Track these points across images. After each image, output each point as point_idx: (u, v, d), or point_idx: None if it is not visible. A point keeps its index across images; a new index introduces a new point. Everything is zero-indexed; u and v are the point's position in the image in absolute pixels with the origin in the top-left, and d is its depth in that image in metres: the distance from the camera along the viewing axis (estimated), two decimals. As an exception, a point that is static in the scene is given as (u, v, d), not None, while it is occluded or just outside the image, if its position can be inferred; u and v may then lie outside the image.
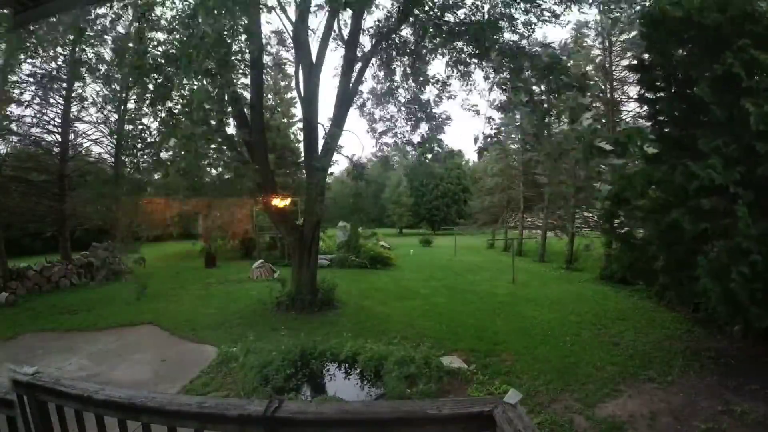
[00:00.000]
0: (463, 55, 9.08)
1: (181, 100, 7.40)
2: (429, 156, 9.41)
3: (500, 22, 8.19)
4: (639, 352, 6.34)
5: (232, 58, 7.48)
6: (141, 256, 16.30)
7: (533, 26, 8.72)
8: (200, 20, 5.81)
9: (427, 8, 8.52)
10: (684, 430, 4.21)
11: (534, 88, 7.10)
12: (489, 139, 8.43)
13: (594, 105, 16.30)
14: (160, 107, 7.54)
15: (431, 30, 8.38)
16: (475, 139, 8.71)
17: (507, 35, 8.80)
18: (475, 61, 8.91)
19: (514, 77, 7.68)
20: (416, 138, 10.16)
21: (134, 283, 10.23)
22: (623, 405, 4.72)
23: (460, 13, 8.72)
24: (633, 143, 5.62)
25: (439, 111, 10.19)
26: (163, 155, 8.62)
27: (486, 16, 8.78)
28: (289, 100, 22.83)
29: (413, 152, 9.89)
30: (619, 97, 15.21)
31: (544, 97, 6.82)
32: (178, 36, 6.74)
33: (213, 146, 8.06)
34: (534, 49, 7.93)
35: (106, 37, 11.82)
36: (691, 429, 4.20)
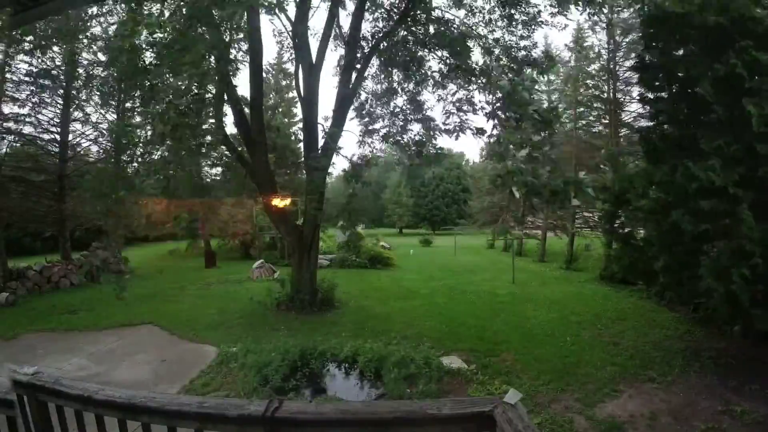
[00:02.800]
0: (441, 68, 9.21)
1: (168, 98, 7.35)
2: (424, 159, 9.44)
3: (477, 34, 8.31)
4: (639, 352, 6.33)
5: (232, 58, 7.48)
6: (124, 256, 16.27)
7: (532, 28, 8.76)
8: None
9: (423, 11, 8.55)
10: (684, 430, 4.21)
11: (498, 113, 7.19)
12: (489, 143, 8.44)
13: (596, 105, 16.28)
14: (151, 107, 7.51)
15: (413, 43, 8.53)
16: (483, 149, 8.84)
17: (506, 36, 8.86)
18: (450, 75, 9.02)
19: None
20: (408, 138, 10.15)
21: (115, 282, 9.84)
22: (623, 405, 4.72)
23: (461, 14, 8.77)
24: (565, 194, 5.79)
25: (435, 115, 10.25)
26: (159, 155, 8.60)
27: (485, 18, 8.82)
28: (290, 100, 22.85)
29: (409, 153, 9.87)
30: (623, 98, 15.22)
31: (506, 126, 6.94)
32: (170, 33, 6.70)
33: (207, 141, 8.02)
34: (504, 72, 8.04)
35: (99, 37, 11.84)
36: (691, 429, 4.20)
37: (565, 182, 5.44)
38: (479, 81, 7.84)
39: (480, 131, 8.39)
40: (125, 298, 8.74)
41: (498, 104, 6.84)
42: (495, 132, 7.11)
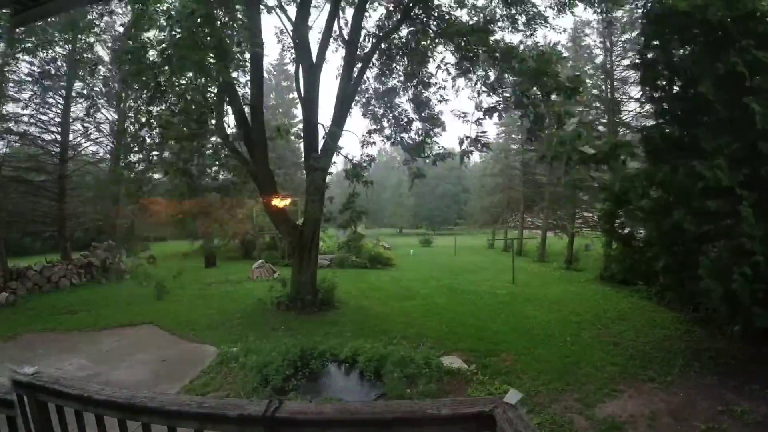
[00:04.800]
0: (454, 56, 9.10)
1: (176, 99, 7.38)
2: (426, 156, 9.43)
3: (493, 24, 8.23)
4: (639, 352, 6.33)
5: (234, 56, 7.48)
6: (151, 255, 16.42)
7: (534, 26, 8.77)
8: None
9: (424, 11, 8.55)
10: (684, 430, 4.21)
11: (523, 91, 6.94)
12: (476, 144, 8.13)
13: (588, 106, 16.28)
14: (157, 108, 7.56)
15: (420, 34, 8.45)
16: (460, 142, 8.35)
17: (502, 35, 8.86)
18: (466, 64, 8.91)
19: (501, 81, 7.60)
20: (410, 137, 10.15)
21: (154, 283, 10.55)
22: (623, 405, 4.72)
23: (462, 13, 8.77)
24: (616, 157, 5.62)
25: (436, 111, 10.20)
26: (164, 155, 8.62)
27: (484, 17, 8.82)
28: (290, 100, 22.86)
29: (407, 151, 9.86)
30: (620, 97, 15.22)
31: (534, 100, 6.65)
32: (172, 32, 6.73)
33: (209, 145, 8.06)
34: (523, 50, 7.74)
35: (103, 36, 11.88)
36: (691, 429, 4.20)
37: (614, 145, 5.29)
38: (502, 64, 7.56)
39: (506, 107, 8.10)
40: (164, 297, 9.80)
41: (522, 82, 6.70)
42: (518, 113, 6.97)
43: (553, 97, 6.39)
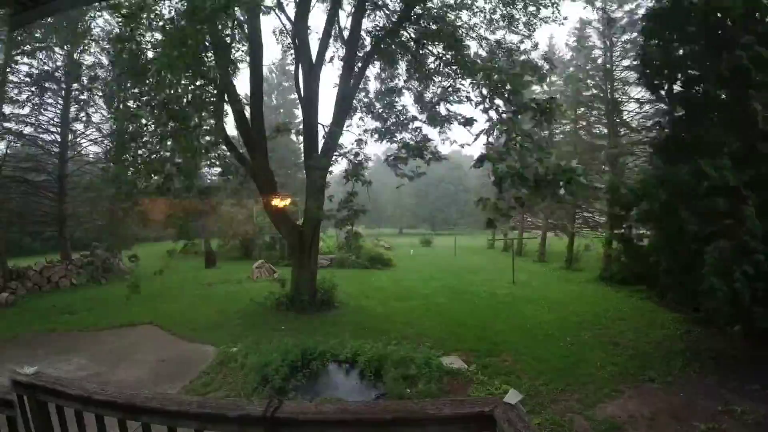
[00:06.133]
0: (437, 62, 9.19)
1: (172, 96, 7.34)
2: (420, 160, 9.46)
3: (498, 22, 8.28)
4: (639, 352, 6.33)
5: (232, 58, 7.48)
6: (134, 254, 16.37)
7: (534, 26, 8.77)
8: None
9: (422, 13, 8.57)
10: (684, 430, 4.20)
11: (497, 102, 6.68)
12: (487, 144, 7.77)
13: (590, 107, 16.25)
14: (154, 105, 7.54)
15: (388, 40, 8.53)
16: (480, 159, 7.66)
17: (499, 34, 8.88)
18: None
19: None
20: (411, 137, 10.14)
21: (127, 282, 10.40)
22: (623, 405, 4.71)
23: (464, 16, 8.79)
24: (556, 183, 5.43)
25: (443, 111, 10.16)
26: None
27: (487, 17, 8.82)
28: (292, 100, 22.87)
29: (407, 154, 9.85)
30: (620, 98, 15.20)
31: (504, 116, 6.38)
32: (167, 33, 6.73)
33: (207, 140, 8.01)
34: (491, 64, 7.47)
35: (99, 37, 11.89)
36: (691, 429, 4.20)
37: (555, 171, 5.03)
38: (477, 77, 7.56)
39: (468, 122, 8.23)
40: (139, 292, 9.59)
41: (493, 97, 6.61)
42: (488, 125, 6.74)
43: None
